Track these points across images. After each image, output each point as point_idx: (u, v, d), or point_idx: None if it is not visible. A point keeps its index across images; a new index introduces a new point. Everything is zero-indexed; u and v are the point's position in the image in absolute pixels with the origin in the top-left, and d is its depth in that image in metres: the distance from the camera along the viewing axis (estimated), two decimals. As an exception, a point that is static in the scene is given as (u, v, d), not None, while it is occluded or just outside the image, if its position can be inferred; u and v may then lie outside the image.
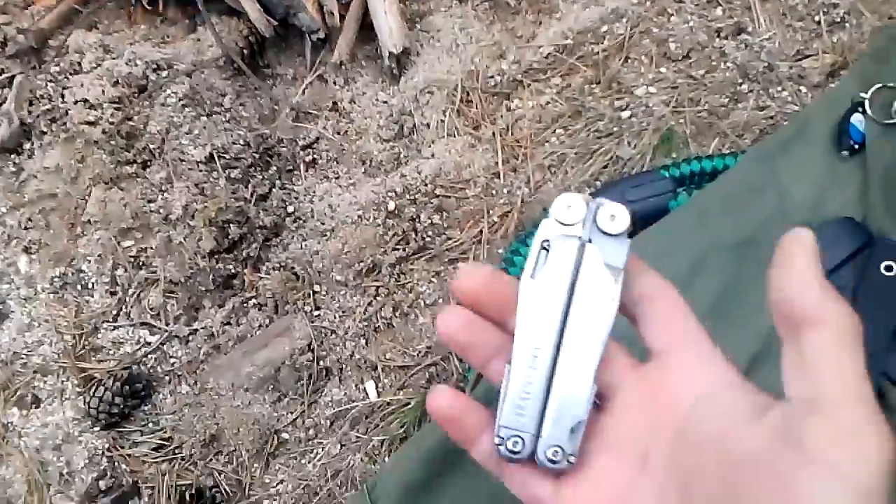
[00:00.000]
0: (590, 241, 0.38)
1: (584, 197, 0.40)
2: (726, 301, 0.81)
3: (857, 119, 0.86)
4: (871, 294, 0.75)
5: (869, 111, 0.85)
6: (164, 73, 1.16)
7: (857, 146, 0.85)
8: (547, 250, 0.39)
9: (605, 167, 1.02)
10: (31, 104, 1.20)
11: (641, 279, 0.40)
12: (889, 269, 0.75)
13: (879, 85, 0.87)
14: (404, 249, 1.03)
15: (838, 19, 1.05)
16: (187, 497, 0.98)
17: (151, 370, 1.07)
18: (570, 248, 0.38)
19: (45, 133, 1.19)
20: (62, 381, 1.08)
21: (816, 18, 1.05)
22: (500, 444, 0.38)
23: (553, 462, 0.38)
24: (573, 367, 0.38)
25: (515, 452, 0.38)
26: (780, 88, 1.02)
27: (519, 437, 0.38)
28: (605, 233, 0.38)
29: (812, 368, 0.32)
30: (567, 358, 0.38)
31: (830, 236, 0.80)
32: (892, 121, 0.84)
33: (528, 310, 0.39)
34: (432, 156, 1.08)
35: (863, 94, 0.87)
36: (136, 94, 1.15)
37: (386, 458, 0.95)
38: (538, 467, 0.38)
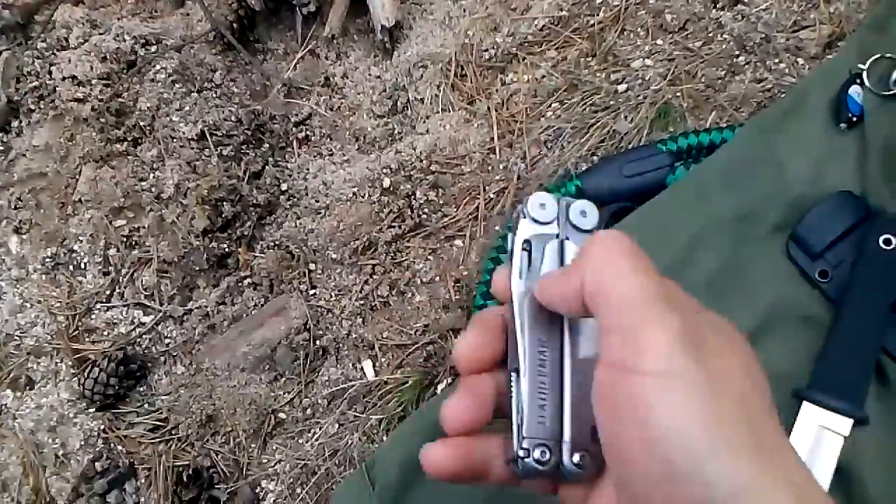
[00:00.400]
0: (567, 238, 0.40)
1: (553, 196, 0.42)
2: (725, 276, 0.81)
3: (854, 91, 0.86)
4: (869, 268, 0.75)
5: (867, 83, 0.85)
6: (153, 49, 1.14)
7: (855, 118, 0.85)
8: (528, 251, 0.41)
9: (602, 141, 1.01)
10: (17, 81, 1.18)
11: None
12: (888, 242, 0.75)
13: (877, 56, 0.86)
14: (400, 227, 1.02)
15: (836, -11, 1.04)
16: (184, 478, 0.98)
17: (146, 351, 1.06)
18: (552, 247, 0.40)
19: (33, 111, 1.17)
20: (56, 363, 1.08)
21: (814, -12, 1.04)
22: (525, 457, 0.37)
23: (580, 467, 0.37)
24: (583, 364, 0.38)
25: (544, 463, 0.37)
26: (777, 60, 1.01)
27: (545, 446, 0.37)
28: (578, 229, 0.40)
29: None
30: (574, 355, 0.38)
31: (828, 211, 0.80)
32: (890, 92, 0.83)
33: (526, 313, 0.39)
34: (427, 131, 1.07)
35: (861, 66, 0.86)
36: (124, 70, 1.13)
37: (384, 438, 0.95)
38: (565, 478, 0.37)
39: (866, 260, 0.75)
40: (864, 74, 0.85)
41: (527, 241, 0.41)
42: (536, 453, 0.37)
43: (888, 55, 0.85)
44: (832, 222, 0.79)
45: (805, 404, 0.71)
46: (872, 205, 0.78)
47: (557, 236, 0.40)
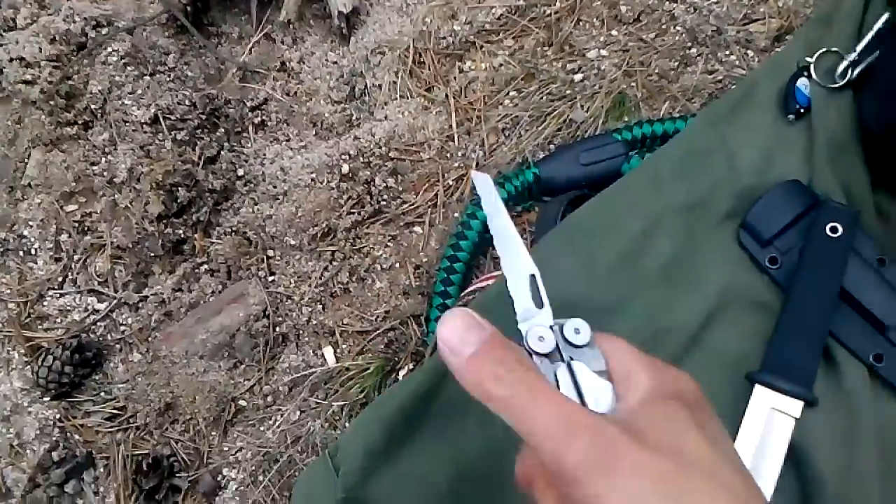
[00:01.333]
0: (571, 359, 0.41)
1: (544, 320, 0.43)
2: (679, 262, 0.83)
3: (802, 83, 0.88)
4: (816, 255, 0.78)
5: (814, 75, 0.87)
6: (104, 31, 1.12)
7: (802, 110, 0.87)
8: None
9: (559, 130, 1.03)
10: (-39, 63, 1.15)
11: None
12: (834, 230, 0.78)
13: (824, 49, 0.88)
14: (359, 213, 1.03)
15: (784, -17, 1.07)
16: (144, 467, 0.97)
17: (101, 338, 1.05)
18: (563, 375, 0.41)
19: (-22, 93, 1.14)
20: (8, 351, 1.06)
21: (763, -18, 1.07)
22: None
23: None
24: None
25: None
26: (728, 52, 1.04)
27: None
28: (578, 346, 0.42)
29: None
30: None
31: (777, 199, 0.82)
32: (836, 85, 0.86)
33: None
34: (385, 118, 1.07)
35: (808, 59, 0.88)
36: (74, 52, 1.11)
37: (346, 424, 0.96)
38: None
39: (814, 247, 0.78)
40: (812, 67, 0.87)
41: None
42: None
43: (834, 49, 0.88)
44: (781, 211, 0.82)
45: (757, 387, 0.74)
46: (819, 193, 0.81)
47: (563, 361, 0.42)
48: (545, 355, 0.42)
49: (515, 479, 0.43)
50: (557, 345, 0.42)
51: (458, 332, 0.39)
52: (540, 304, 0.44)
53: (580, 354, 0.41)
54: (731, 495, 0.32)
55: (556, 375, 0.41)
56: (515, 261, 0.45)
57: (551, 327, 0.43)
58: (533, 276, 0.44)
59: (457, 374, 0.39)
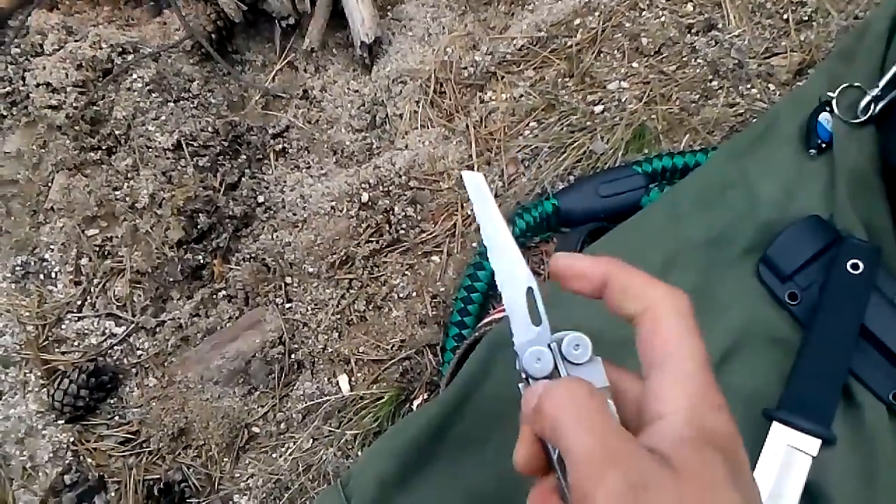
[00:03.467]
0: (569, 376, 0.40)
1: (539, 339, 0.41)
2: (698, 296, 0.82)
3: (824, 118, 0.88)
4: (837, 291, 0.77)
5: (836, 110, 0.87)
6: (130, 57, 1.14)
7: (824, 145, 0.87)
8: None
9: (579, 161, 1.03)
10: (-10, 87, 1.17)
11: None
12: (855, 267, 0.77)
13: (846, 84, 0.88)
14: (378, 242, 1.03)
15: (806, 18, 1.06)
16: (155, 491, 0.97)
17: (117, 362, 1.05)
18: None
19: (5, 117, 1.16)
20: (25, 374, 1.06)
21: (785, 16, 1.07)
22: None
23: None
24: None
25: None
26: (749, 86, 1.04)
27: None
28: (578, 364, 0.40)
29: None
30: None
31: (797, 234, 0.82)
32: (858, 120, 0.85)
33: None
34: (406, 147, 1.08)
35: (830, 94, 0.88)
36: (100, 78, 1.12)
37: (359, 453, 0.95)
38: None
39: (834, 283, 0.77)
40: (834, 102, 0.87)
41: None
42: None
43: (856, 84, 0.87)
44: (802, 246, 0.81)
45: (774, 424, 0.73)
46: (840, 229, 0.80)
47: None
48: (546, 378, 0.40)
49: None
50: (556, 364, 0.41)
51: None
52: (538, 321, 0.42)
53: (580, 372, 0.40)
54: None
55: None
56: (511, 273, 0.43)
57: (549, 345, 0.41)
58: (530, 288, 0.43)
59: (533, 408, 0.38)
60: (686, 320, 0.38)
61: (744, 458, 0.36)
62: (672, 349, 0.37)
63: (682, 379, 0.37)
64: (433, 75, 1.10)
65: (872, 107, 0.85)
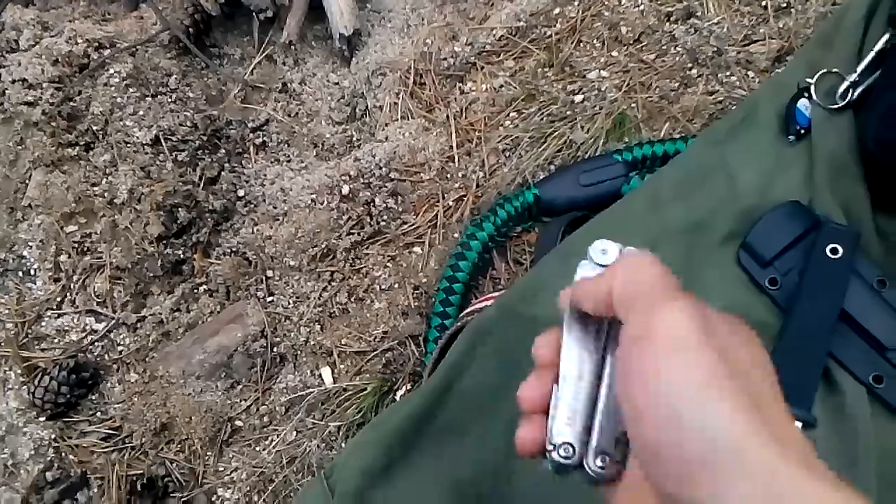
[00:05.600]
0: None
1: (612, 242, 0.46)
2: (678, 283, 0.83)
3: (803, 104, 0.88)
4: (816, 276, 0.77)
5: (815, 96, 0.87)
6: (106, 52, 1.13)
7: (803, 131, 0.87)
8: None
9: (559, 151, 1.03)
10: (-36, 83, 1.15)
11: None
12: (834, 251, 0.77)
13: (825, 70, 0.88)
14: (359, 234, 1.02)
15: (784, 5, 1.07)
16: (138, 487, 0.97)
17: (98, 359, 1.05)
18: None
19: (-20, 113, 1.14)
20: (4, 371, 1.05)
21: (763, 3, 1.07)
22: (552, 451, 0.41)
23: (601, 469, 0.40)
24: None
25: (567, 458, 0.41)
26: (728, 73, 1.04)
27: (570, 445, 0.41)
28: (604, 266, 0.44)
29: None
30: (610, 374, 0.42)
31: (777, 220, 0.82)
32: (836, 106, 0.86)
33: (569, 326, 0.44)
34: (386, 139, 1.07)
35: (808, 80, 0.88)
36: (76, 74, 1.11)
37: (343, 445, 0.95)
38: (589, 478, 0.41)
39: (814, 268, 0.77)
40: (812, 88, 0.87)
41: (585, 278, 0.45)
42: (561, 451, 0.41)
43: (834, 70, 0.88)
44: (781, 231, 0.81)
45: (756, 409, 0.73)
46: (819, 214, 0.81)
47: None
48: (601, 265, 0.44)
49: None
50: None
51: None
52: None
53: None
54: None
55: None
56: None
57: (620, 250, 0.45)
58: None
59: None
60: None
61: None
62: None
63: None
64: (413, 67, 1.10)
65: (850, 92, 0.85)
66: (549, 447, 0.41)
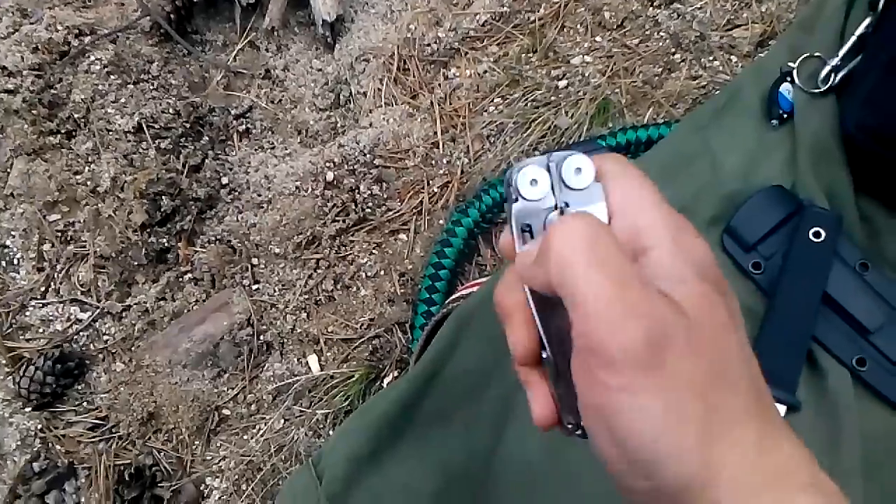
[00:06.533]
0: (566, 204, 0.37)
1: (538, 160, 0.38)
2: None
3: (785, 88, 0.89)
4: (800, 260, 0.78)
5: (797, 80, 0.87)
6: (87, 39, 1.11)
7: (785, 115, 0.87)
8: (530, 232, 0.38)
9: (544, 137, 1.03)
10: (-58, 71, 1.14)
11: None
12: (817, 235, 0.78)
13: (807, 55, 0.88)
14: (344, 221, 1.02)
15: (767, -11, 1.07)
16: (126, 477, 0.97)
17: (84, 348, 1.04)
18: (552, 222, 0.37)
19: (-41, 102, 1.13)
20: (-11, 362, 1.05)
21: (746, -12, 1.07)
22: (571, 429, 0.38)
23: None
24: None
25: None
26: (711, 58, 1.04)
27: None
28: (576, 189, 0.37)
29: None
30: None
31: (760, 204, 0.82)
32: (819, 90, 0.86)
33: (531, 298, 0.38)
34: (370, 125, 1.07)
35: (791, 64, 0.89)
36: (57, 61, 1.10)
37: (330, 432, 0.95)
38: None
39: (797, 252, 0.78)
40: (795, 72, 0.87)
41: (526, 225, 0.38)
42: (579, 432, 0.37)
43: (817, 54, 0.88)
44: (764, 216, 0.82)
45: (740, 392, 0.74)
46: (802, 198, 0.81)
47: (556, 206, 0.37)
48: (536, 201, 0.37)
49: (495, 301, 0.41)
50: (552, 186, 0.37)
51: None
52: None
53: (578, 199, 0.36)
54: (759, 420, 0.32)
55: (545, 225, 0.37)
56: None
57: (547, 166, 0.37)
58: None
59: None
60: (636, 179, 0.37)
61: (733, 293, 0.37)
62: (634, 196, 0.36)
63: (652, 211, 0.36)
64: (396, 52, 1.09)
65: (832, 76, 0.86)
66: (569, 426, 0.38)
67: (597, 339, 0.31)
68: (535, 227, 0.38)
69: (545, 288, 0.34)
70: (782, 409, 0.72)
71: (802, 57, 0.88)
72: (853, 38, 0.85)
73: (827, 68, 0.85)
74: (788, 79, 0.88)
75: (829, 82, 0.85)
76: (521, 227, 0.38)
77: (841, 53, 0.86)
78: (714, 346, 0.33)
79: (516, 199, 0.37)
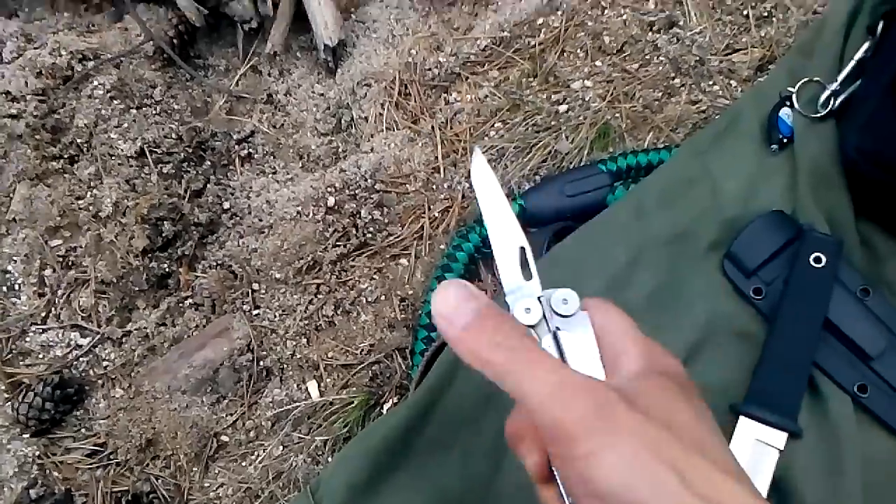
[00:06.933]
0: (558, 328, 0.41)
1: (532, 292, 0.43)
2: (663, 293, 0.83)
3: (785, 113, 0.89)
4: (800, 285, 0.78)
5: (797, 105, 0.88)
6: (90, 64, 1.12)
7: (785, 140, 0.88)
8: None
9: (544, 161, 1.03)
10: (-54, 97, 1.15)
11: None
12: (818, 260, 0.77)
13: (806, 79, 0.89)
14: (345, 246, 1.02)
15: (765, 14, 1.07)
16: (123, 503, 0.96)
17: (83, 374, 1.04)
18: (548, 343, 0.42)
19: (-37, 127, 1.14)
20: (-12, 387, 1.04)
21: (745, 13, 1.08)
22: None
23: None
24: None
25: None
26: (711, 82, 1.04)
27: None
28: (565, 316, 0.42)
29: None
30: None
31: (761, 230, 0.82)
32: (818, 114, 0.86)
33: None
34: (371, 150, 1.07)
35: (790, 88, 0.89)
36: (60, 86, 1.11)
37: (329, 459, 0.95)
38: None
39: (798, 277, 0.78)
40: (794, 97, 0.88)
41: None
42: None
43: (816, 79, 0.88)
44: (765, 241, 0.82)
45: (741, 419, 0.73)
46: (803, 223, 0.81)
47: (549, 330, 0.42)
48: (531, 326, 0.42)
49: (506, 436, 0.44)
50: (544, 315, 0.42)
51: (452, 303, 0.40)
52: (529, 277, 0.44)
53: (567, 325, 0.42)
54: (720, 468, 0.33)
55: (541, 346, 0.41)
56: (504, 233, 0.45)
57: (539, 298, 0.43)
58: (522, 248, 0.44)
59: (453, 344, 0.39)
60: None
61: (692, 385, 0.39)
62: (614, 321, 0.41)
63: (629, 333, 0.40)
64: (398, 77, 1.10)
65: (832, 101, 0.86)
66: None
67: (550, 420, 0.34)
68: None
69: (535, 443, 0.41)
70: (784, 436, 0.71)
71: (802, 81, 0.89)
72: (852, 63, 0.86)
73: (826, 93, 0.86)
74: (788, 103, 0.89)
75: (829, 107, 0.86)
76: None
77: (840, 78, 0.86)
78: (665, 414, 0.35)
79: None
